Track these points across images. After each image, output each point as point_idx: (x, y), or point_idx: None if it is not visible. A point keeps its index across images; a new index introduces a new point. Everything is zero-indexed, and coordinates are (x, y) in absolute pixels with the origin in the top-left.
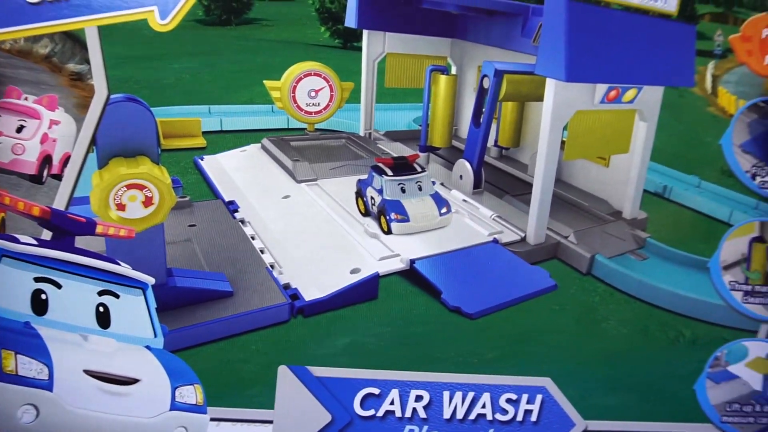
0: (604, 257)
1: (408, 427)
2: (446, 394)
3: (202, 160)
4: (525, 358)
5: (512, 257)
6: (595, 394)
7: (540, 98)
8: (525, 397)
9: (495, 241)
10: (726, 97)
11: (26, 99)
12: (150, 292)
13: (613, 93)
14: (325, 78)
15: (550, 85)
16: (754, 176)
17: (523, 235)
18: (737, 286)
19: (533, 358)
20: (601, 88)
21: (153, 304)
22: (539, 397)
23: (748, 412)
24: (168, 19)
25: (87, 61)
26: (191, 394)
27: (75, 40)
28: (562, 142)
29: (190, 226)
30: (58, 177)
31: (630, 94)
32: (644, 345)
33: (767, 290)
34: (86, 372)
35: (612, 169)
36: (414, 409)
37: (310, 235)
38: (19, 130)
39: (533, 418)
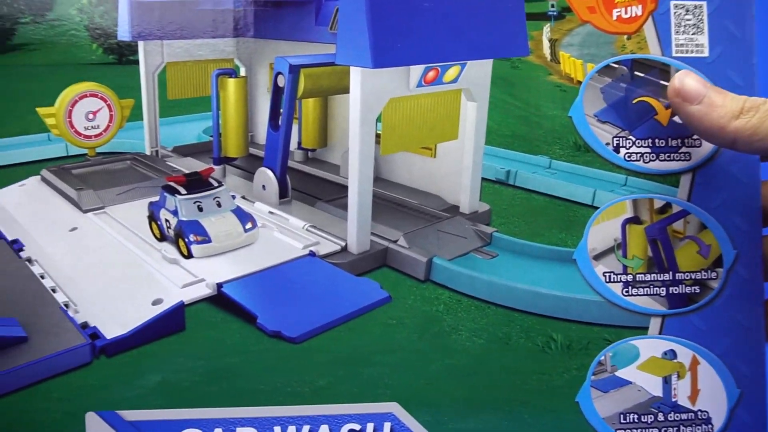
0: (443, 259)
1: None
2: (277, 430)
3: None
4: (363, 383)
5: (334, 270)
6: (452, 417)
7: (345, 90)
8: (371, 426)
9: (312, 253)
10: (570, 62)
11: None
12: None
13: (431, 74)
14: (102, 98)
15: (356, 75)
16: (617, 149)
17: (343, 244)
18: (614, 277)
19: (373, 382)
20: (417, 71)
21: None
22: (387, 425)
23: (650, 422)
24: None
25: None
26: None
27: None
28: (378, 136)
29: None
30: None
31: (452, 72)
32: (506, 356)
33: (652, 278)
34: None
35: (440, 160)
36: None
37: (104, 267)
38: None
39: None
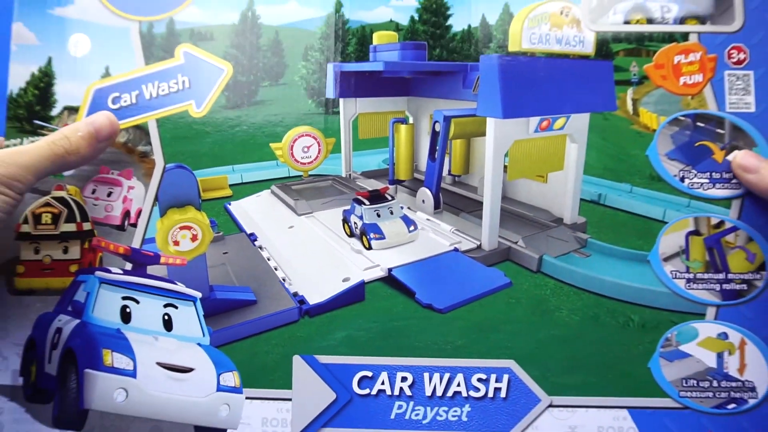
0: (550, 256)
1: (397, 403)
2: (426, 375)
3: (229, 205)
4: (489, 344)
5: (471, 261)
6: (556, 374)
7: (483, 134)
8: (493, 376)
9: (455, 249)
10: (647, 115)
11: (113, 173)
12: (198, 304)
13: (544, 123)
14: (314, 137)
15: (491, 123)
16: (682, 179)
17: (478, 243)
18: (679, 274)
19: (497, 344)
20: (534, 121)
21: (201, 312)
22: (506, 377)
23: (706, 387)
24: (201, 108)
25: (149, 143)
26: (231, 379)
27: (141, 129)
28: (505, 166)
29: (224, 253)
30: (134, 225)
31: (560, 122)
32: (596, 330)
33: (709, 277)
34: (158, 364)
35: (551, 184)
36: (401, 389)
37: (311, 254)
38: (109, 195)
39: (502, 394)
